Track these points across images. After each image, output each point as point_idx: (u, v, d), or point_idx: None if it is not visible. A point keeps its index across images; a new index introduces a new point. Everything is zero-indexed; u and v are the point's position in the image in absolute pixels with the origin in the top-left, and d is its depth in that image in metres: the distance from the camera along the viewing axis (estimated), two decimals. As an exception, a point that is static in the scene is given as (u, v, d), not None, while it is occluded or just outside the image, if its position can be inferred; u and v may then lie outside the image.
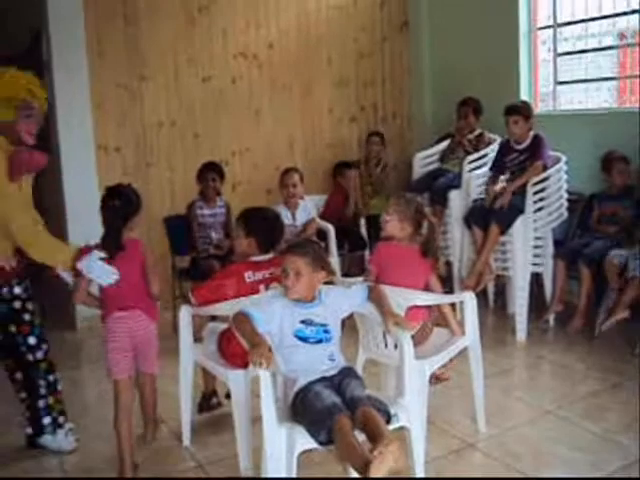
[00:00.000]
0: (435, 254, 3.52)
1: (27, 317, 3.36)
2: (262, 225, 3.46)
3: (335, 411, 2.46)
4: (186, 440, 3.53)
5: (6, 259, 3.27)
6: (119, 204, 3.22)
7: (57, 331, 5.27)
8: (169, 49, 5.81)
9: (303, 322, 2.78)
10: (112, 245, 3.16)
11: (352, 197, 6.11)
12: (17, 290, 3.33)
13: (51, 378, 3.45)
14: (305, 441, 2.51)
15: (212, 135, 6.06)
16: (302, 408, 2.59)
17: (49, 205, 5.81)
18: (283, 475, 2.53)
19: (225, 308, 3.19)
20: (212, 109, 6.05)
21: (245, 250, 3.50)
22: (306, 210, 5.44)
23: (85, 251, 3.13)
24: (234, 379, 3.18)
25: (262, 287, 3.33)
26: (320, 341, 2.78)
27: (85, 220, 5.21)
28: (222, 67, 6.05)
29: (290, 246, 2.94)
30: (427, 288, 3.46)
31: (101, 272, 3.09)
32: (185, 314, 3.44)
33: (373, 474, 2.22)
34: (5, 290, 3.28)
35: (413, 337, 3.05)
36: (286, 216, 5.25)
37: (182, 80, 5.89)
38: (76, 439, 3.51)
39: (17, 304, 3.33)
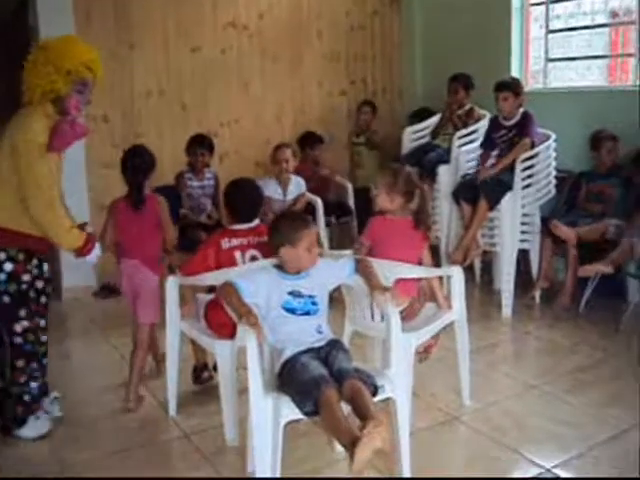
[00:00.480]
0: (427, 224, 3.50)
1: (44, 300, 3.31)
2: (234, 197, 3.51)
3: (322, 382, 2.46)
4: (172, 410, 3.52)
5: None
6: (138, 162, 3.60)
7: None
8: (159, 18, 5.73)
9: (291, 294, 2.77)
10: (137, 201, 3.54)
11: (321, 168, 6.06)
12: (45, 267, 3.29)
13: (44, 362, 3.39)
14: (291, 411, 2.51)
15: (201, 106, 6.01)
16: (289, 379, 2.59)
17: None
18: (269, 445, 2.53)
19: (211, 278, 3.18)
20: (201, 80, 5.99)
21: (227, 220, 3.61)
22: (298, 185, 5.40)
23: (90, 239, 3.28)
24: (220, 349, 3.18)
25: (237, 253, 3.33)
26: (308, 313, 2.78)
27: (72, 191, 5.18)
28: (212, 37, 5.99)
29: (302, 220, 2.89)
30: (420, 261, 3.46)
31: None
32: (172, 285, 3.43)
33: (359, 453, 2.24)
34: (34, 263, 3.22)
35: (402, 312, 3.06)
36: (276, 191, 5.23)
37: (171, 50, 5.83)
38: (59, 409, 3.49)
39: (39, 284, 3.26)
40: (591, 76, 5.90)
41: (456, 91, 5.70)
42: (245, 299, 2.68)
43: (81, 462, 3.10)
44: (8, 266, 3.12)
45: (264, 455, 2.54)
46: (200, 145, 5.26)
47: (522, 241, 5.03)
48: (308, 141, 6.07)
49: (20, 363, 3.23)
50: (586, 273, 4.52)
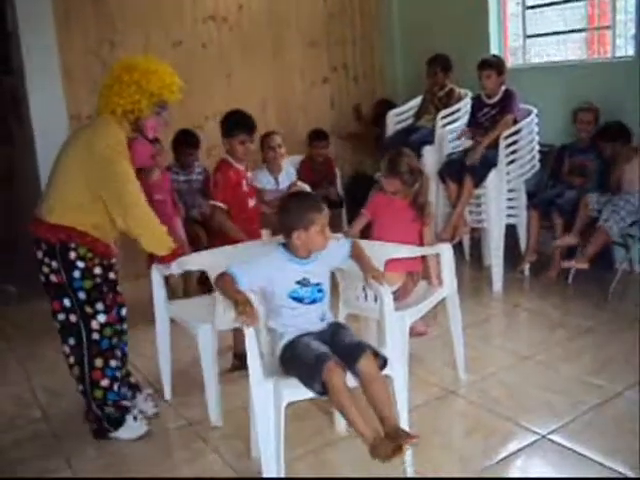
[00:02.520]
0: (423, 202, 3.58)
1: (119, 289, 3.32)
2: None
3: (325, 359, 2.48)
4: (167, 395, 3.61)
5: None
6: None
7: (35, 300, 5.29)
8: (139, 15, 5.72)
9: (299, 283, 2.72)
10: None
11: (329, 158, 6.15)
12: (113, 260, 3.29)
13: (125, 349, 3.41)
14: (291, 393, 2.56)
15: (184, 100, 5.96)
16: (292, 362, 2.62)
17: (23, 177, 5.78)
18: (272, 428, 2.58)
19: (196, 262, 3.21)
20: (183, 74, 5.93)
21: None
22: (289, 174, 5.42)
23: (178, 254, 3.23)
24: (202, 332, 3.25)
25: None
26: (314, 301, 2.76)
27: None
28: (192, 31, 6.00)
29: (313, 200, 2.79)
30: (421, 240, 3.54)
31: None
32: (156, 273, 3.46)
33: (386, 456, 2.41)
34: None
35: (395, 292, 3.13)
36: (269, 182, 5.22)
37: (152, 46, 5.81)
38: (154, 405, 3.49)
39: (112, 275, 3.27)
40: (570, 50, 5.96)
41: (435, 73, 5.71)
42: (241, 287, 2.63)
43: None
44: (80, 264, 3.06)
45: (267, 438, 2.59)
46: (187, 145, 5.27)
47: (509, 216, 5.11)
48: (309, 141, 6.13)
49: (98, 362, 3.15)
50: (566, 267, 4.70)
